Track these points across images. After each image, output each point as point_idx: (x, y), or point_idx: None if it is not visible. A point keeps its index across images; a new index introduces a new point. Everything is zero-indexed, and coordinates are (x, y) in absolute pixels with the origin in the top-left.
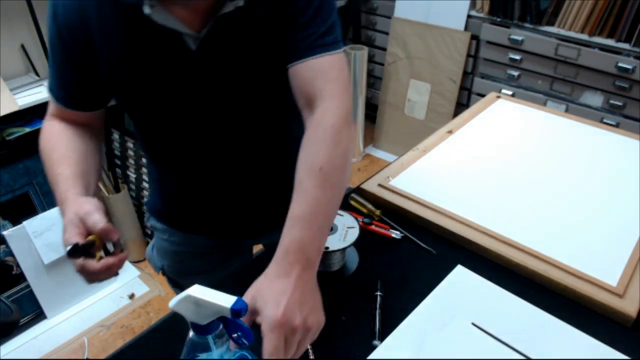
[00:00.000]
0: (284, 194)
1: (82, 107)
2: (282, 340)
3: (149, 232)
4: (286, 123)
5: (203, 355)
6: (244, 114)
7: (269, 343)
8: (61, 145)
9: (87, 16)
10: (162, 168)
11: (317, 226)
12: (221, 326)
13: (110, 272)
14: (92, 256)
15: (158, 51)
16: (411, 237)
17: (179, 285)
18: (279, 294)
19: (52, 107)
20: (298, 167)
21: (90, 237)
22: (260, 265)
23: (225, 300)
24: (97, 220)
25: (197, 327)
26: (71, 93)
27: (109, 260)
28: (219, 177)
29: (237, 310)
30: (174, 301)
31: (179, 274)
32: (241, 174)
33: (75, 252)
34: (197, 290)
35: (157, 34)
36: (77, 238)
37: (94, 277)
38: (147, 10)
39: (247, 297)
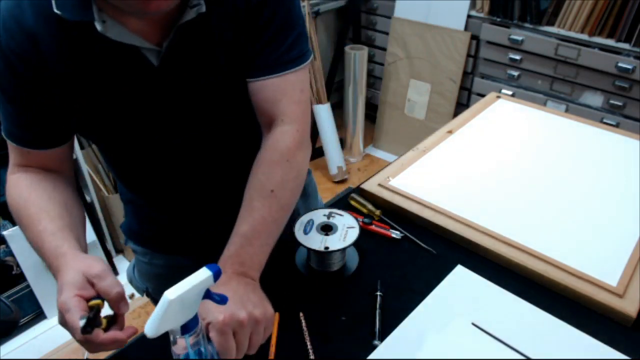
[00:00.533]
0: None
1: (46, 143)
2: (230, 340)
3: None
4: (255, 130)
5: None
6: (206, 121)
7: (218, 344)
8: (36, 199)
9: (33, 36)
10: (132, 188)
11: (258, 244)
12: (198, 326)
13: (116, 345)
14: (98, 324)
15: (116, 69)
16: (411, 237)
17: None
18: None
19: (14, 156)
20: (249, 185)
21: (93, 302)
22: None
23: (201, 275)
24: (113, 284)
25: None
26: (32, 129)
27: (118, 334)
28: (189, 194)
29: (217, 272)
30: (154, 326)
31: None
32: (213, 188)
33: (88, 326)
34: (173, 292)
35: (113, 51)
36: (76, 302)
37: (98, 348)
38: (99, 27)
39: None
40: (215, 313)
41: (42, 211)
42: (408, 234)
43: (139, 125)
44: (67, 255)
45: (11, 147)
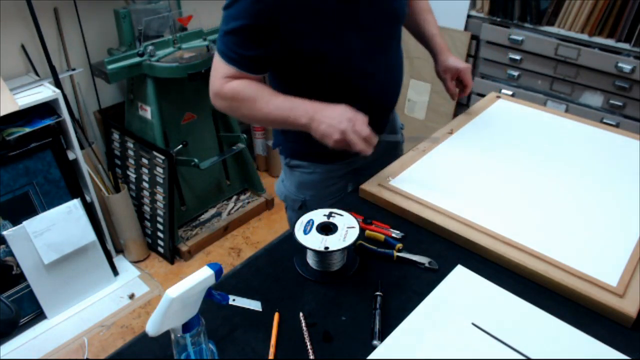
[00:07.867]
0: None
1: (257, 71)
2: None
3: (149, 232)
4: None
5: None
6: (393, 37)
7: (464, 68)
8: (264, 88)
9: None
10: None
11: (440, 36)
12: (199, 325)
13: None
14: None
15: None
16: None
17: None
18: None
19: (225, 70)
20: (420, 10)
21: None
22: (257, 265)
23: (203, 274)
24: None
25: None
26: (253, 63)
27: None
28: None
29: (219, 270)
30: (156, 325)
31: (319, 200)
32: (372, 110)
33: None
34: (174, 290)
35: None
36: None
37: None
38: None
39: (446, 64)
40: (455, 62)
41: (273, 93)
42: (405, 234)
43: (347, 45)
44: (318, 105)
45: (225, 67)
